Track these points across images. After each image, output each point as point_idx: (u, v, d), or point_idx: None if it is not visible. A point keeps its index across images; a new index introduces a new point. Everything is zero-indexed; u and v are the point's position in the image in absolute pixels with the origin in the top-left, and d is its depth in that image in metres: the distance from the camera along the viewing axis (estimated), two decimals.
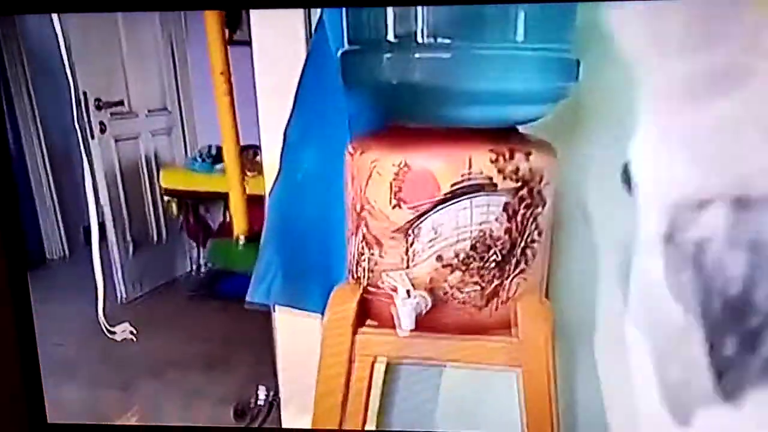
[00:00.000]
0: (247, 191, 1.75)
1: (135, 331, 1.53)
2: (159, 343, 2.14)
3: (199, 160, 2.58)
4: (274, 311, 1.35)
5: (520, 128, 1.11)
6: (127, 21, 2.50)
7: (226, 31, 1.58)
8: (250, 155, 1.73)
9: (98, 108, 2.46)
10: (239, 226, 1.80)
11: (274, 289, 1.26)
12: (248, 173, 1.73)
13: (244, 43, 1.29)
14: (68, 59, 1.54)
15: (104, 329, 1.44)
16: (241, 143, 1.71)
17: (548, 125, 1.10)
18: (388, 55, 1.02)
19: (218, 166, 2.04)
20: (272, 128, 1.25)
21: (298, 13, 1.19)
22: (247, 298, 1.28)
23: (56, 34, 1.44)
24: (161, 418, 1.71)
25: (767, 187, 1.08)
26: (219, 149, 1.89)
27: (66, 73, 1.53)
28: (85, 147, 1.58)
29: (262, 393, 1.67)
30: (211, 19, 1.54)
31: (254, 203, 1.62)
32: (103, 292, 1.44)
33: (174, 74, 2.77)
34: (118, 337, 1.48)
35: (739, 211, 1.09)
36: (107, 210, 2.52)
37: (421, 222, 1.06)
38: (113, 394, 1.85)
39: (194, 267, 2.80)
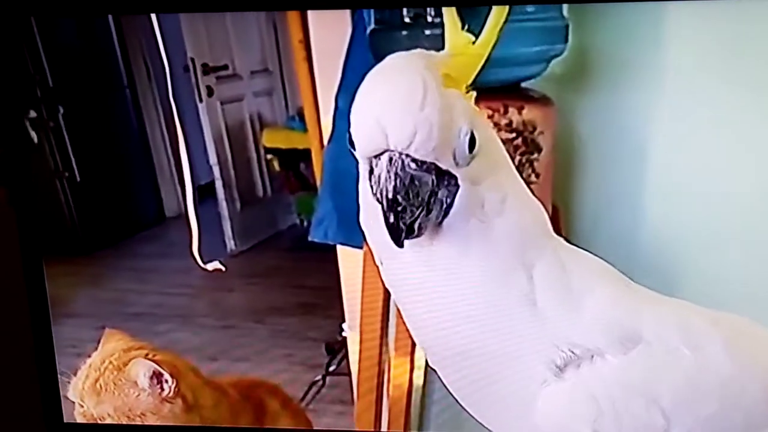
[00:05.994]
0: None
1: (225, 267, 1.90)
2: (262, 290, 2.53)
3: (297, 119, 2.93)
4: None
5: (523, 84, 1.39)
6: None
7: None
8: None
9: (205, 73, 2.84)
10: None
11: (331, 230, 1.53)
12: None
13: None
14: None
15: (199, 264, 1.80)
16: None
17: (553, 79, 1.38)
18: (405, 32, 1.33)
19: None
20: (326, 96, 1.57)
21: None
22: (309, 238, 1.56)
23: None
24: (262, 358, 2.02)
25: None
26: None
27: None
28: (178, 111, 1.92)
29: (346, 328, 2.02)
30: None
31: None
32: (198, 234, 1.78)
33: (275, 35, 3.12)
34: (209, 267, 1.83)
35: None
36: (216, 169, 2.91)
37: None
38: (221, 336, 2.19)
39: (299, 220, 3.18)
